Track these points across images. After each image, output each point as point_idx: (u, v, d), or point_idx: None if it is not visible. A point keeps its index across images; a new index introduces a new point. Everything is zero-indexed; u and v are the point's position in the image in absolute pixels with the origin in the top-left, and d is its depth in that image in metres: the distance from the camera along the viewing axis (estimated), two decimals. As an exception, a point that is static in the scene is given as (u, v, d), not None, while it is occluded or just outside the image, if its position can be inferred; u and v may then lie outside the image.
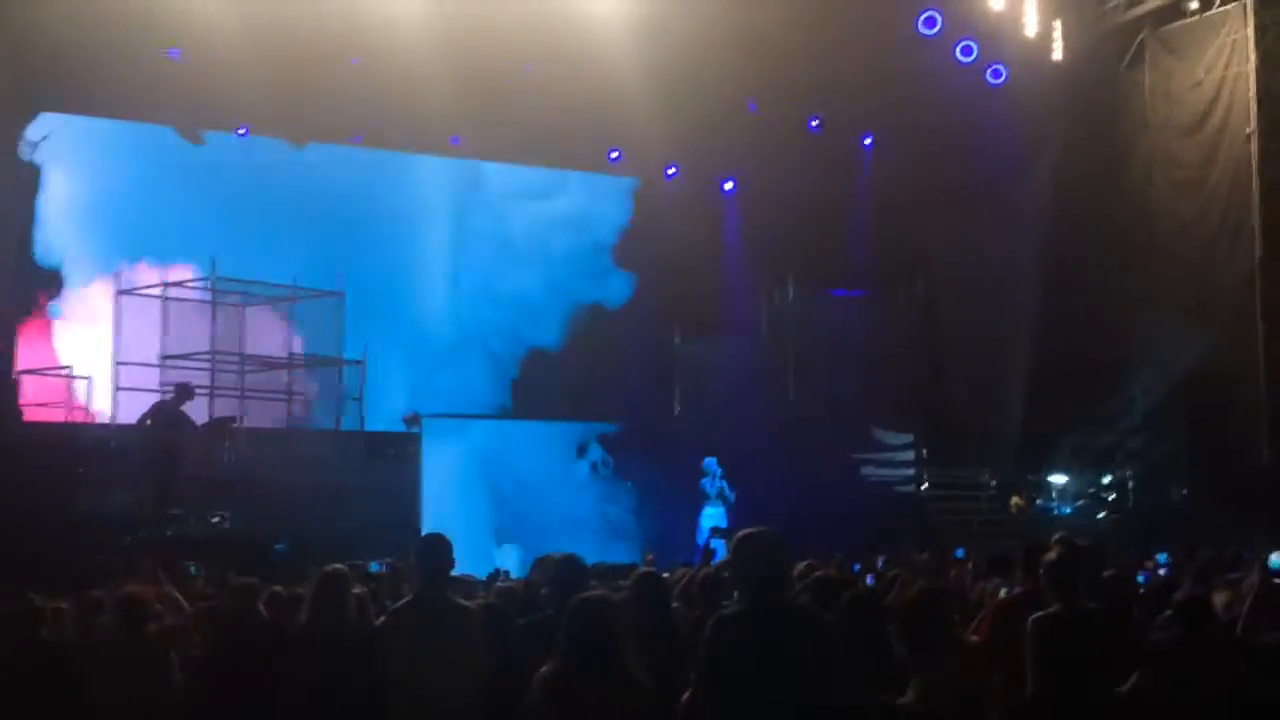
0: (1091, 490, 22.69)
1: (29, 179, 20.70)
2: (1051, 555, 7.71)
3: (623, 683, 5.96)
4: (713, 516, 21.35)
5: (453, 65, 19.80)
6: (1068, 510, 22.56)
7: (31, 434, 18.54)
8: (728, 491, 21.51)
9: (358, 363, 21.43)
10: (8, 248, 19.57)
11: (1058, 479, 23.11)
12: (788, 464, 21.45)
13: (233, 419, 19.39)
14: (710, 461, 21.71)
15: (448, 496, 20.67)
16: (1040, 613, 7.41)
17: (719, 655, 5.99)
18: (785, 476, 21.08)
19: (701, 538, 20.60)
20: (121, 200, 21.55)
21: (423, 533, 17.44)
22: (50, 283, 21.52)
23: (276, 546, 15.88)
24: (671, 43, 20.38)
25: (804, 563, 10.13)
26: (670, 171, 24.77)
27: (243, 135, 22.17)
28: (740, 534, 6.27)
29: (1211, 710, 7.46)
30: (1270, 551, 9.47)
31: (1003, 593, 9.29)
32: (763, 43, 20.79)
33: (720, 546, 12.23)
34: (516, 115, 21.82)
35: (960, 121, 22.09)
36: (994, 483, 23.65)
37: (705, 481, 21.77)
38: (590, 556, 15.42)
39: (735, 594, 6.50)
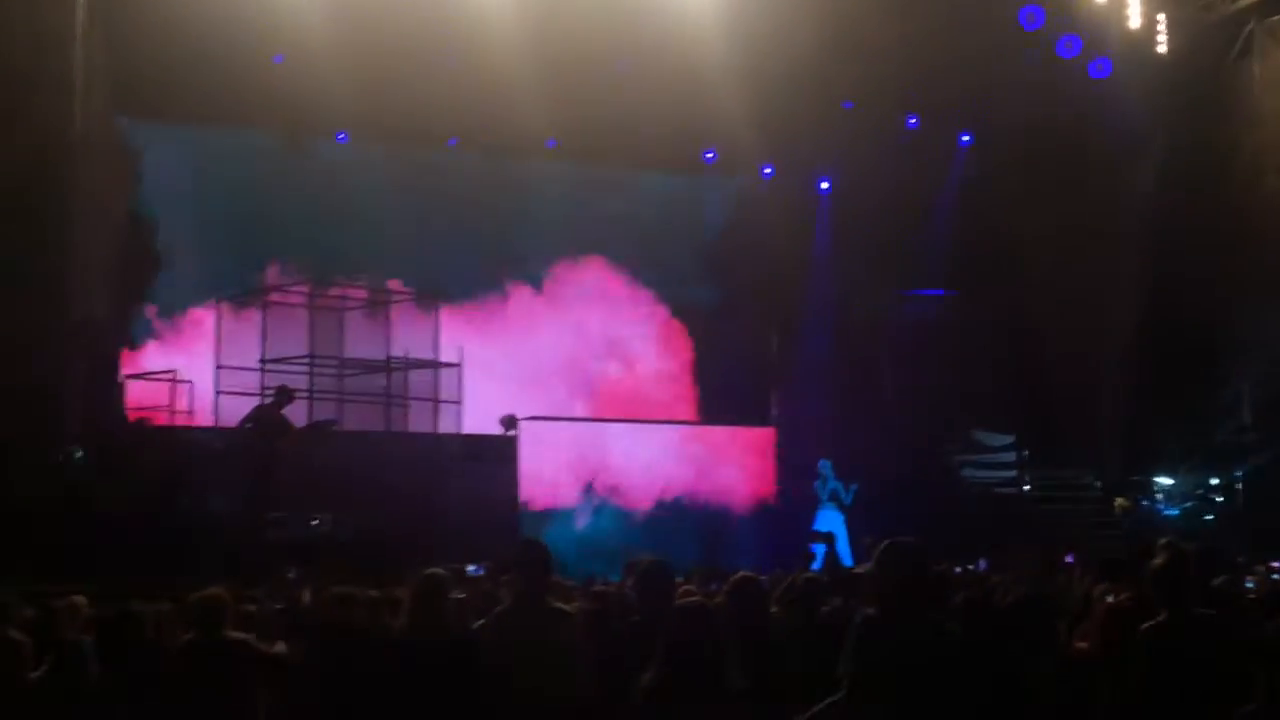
0: (1199, 491, 22.26)
1: (132, 185, 20.94)
2: (1158, 560, 7.47)
3: (721, 690, 5.92)
4: (828, 519, 21.01)
5: (546, 66, 19.79)
6: (1174, 512, 22.13)
7: (136, 436, 18.77)
8: (842, 494, 21.17)
9: (454, 365, 21.49)
10: (113, 250, 19.81)
11: (1164, 480, 22.68)
12: (890, 467, 21.25)
13: (332, 422, 19.51)
14: (824, 464, 21.35)
15: (545, 499, 20.66)
16: (1150, 623, 7.20)
17: (862, 660, 5.96)
18: (888, 479, 20.89)
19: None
20: (223, 205, 21.79)
21: (521, 537, 17.65)
22: (154, 287, 21.76)
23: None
24: (766, 41, 20.23)
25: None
26: (766, 171, 24.65)
27: (341, 140, 22.42)
28: (886, 542, 6.22)
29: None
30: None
31: (1110, 599, 9.07)
32: (860, 39, 20.60)
33: (820, 550, 12.11)
34: (611, 117, 21.76)
35: (1063, 117, 21.76)
36: (1098, 484, 23.26)
37: (817, 484, 21.39)
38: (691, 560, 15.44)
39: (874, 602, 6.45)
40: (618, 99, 21.42)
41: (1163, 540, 9.07)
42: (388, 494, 18.24)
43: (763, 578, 10.90)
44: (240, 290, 21.45)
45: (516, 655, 7.41)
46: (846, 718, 6.18)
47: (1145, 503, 22.57)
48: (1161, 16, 21.85)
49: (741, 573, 8.64)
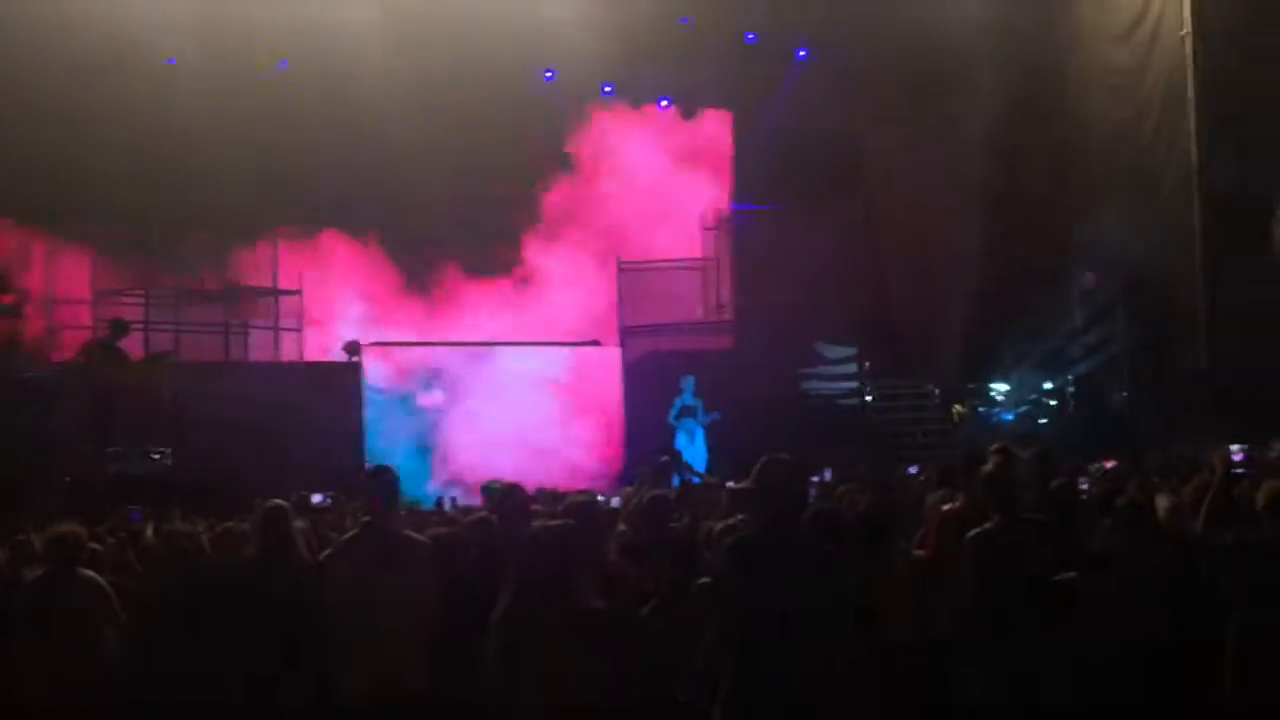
0: (1034, 397, 22.83)
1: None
2: (988, 467, 7.59)
3: (577, 612, 5.95)
4: (687, 434, 20.92)
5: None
6: (1010, 417, 22.67)
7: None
8: (702, 413, 21.12)
9: (295, 293, 21.20)
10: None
11: (1000, 386, 23.21)
12: (736, 382, 21.43)
13: (169, 354, 19.16)
14: (688, 380, 21.22)
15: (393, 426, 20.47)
16: (977, 529, 7.32)
17: (736, 572, 6.04)
18: (735, 394, 21.06)
19: (692, 456, 20.53)
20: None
21: (367, 464, 17.55)
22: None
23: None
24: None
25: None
26: (607, 90, 24.51)
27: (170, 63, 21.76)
28: (765, 459, 6.29)
29: (1151, 612, 7.50)
30: (1226, 446, 9.39)
31: (946, 506, 9.28)
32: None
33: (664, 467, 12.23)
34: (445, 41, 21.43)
35: (901, 34, 21.96)
36: (938, 392, 23.71)
37: (679, 400, 21.18)
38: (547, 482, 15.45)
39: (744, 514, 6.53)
40: (456, 17, 21.11)
41: (994, 446, 9.22)
42: (230, 425, 17.99)
43: (605, 497, 11.04)
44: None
45: (360, 584, 7.37)
46: (713, 623, 6.30)
47: (982, 409, 23.08)
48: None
49: (577, 494, 8.72)
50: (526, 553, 6.07)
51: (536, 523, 7.01)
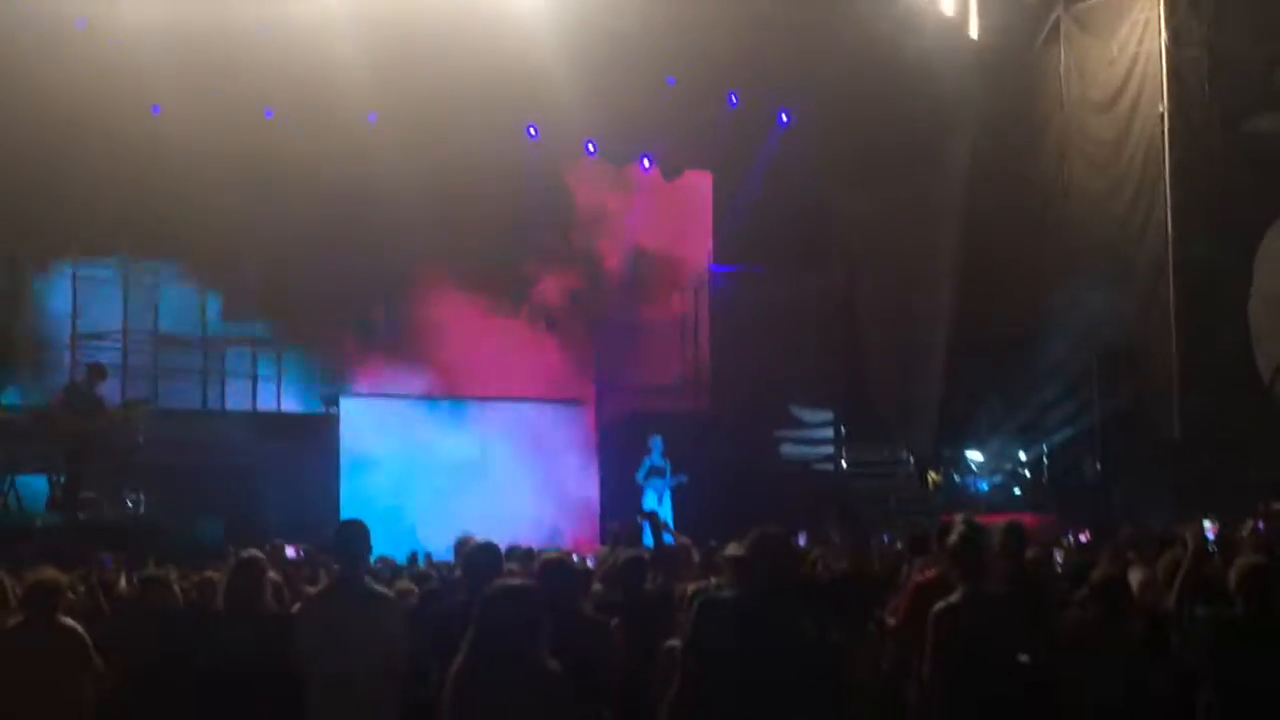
0: (1009, 466, 22.90)
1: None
2: (954, 538, 7.46)
3: (534, 673, 5.91)
4: (655, 494, 20.86)
5: (368, 42, 19.53)
6: (984, 486, 22.74)
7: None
8: (670, 473, 21.04)
9: (272, 343, 21.19)
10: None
11: (974, 455, 23.28)
12: (712, 444, 21.46)
13: (146, 401, 19.11)
14: (655, 440, 21.19)
15: (369, 479, 20.43)
16: (942, 602, 7.24)
17: (707, 641, 6.06)
18: (710, 456, 21.08)
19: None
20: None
21: (341, 517, 17.48)
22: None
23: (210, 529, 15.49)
24: (590, 16, 20.30)
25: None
26: (590, 149, 24.59)
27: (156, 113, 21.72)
28: (761, 531, 6.35)
29: (1123, 689, 7.52)
30: (1200, 520, 9.43)
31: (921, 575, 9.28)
32: (682, 17, 20.77)
33: (645, 528, 12.20)
34: (430, 94, 21.52)
35: (880, 98, 22.15)
36: (912, 460, 23.80)
37: (647, 460, 21.13)
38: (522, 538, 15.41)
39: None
40: (441, 70, 21.19)
41: (960, 516, 9.17)
42: (204, 473, 17.94)
43: (579, 556, 11.03)
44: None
45: (330, 638, 7.38)
46: (690, 692, 6.30)
47: (957, 477, 23.15)
48: (973, 1, 22.31)
49: (547, 553, 8.71)
50: (484, 608, 6.04)
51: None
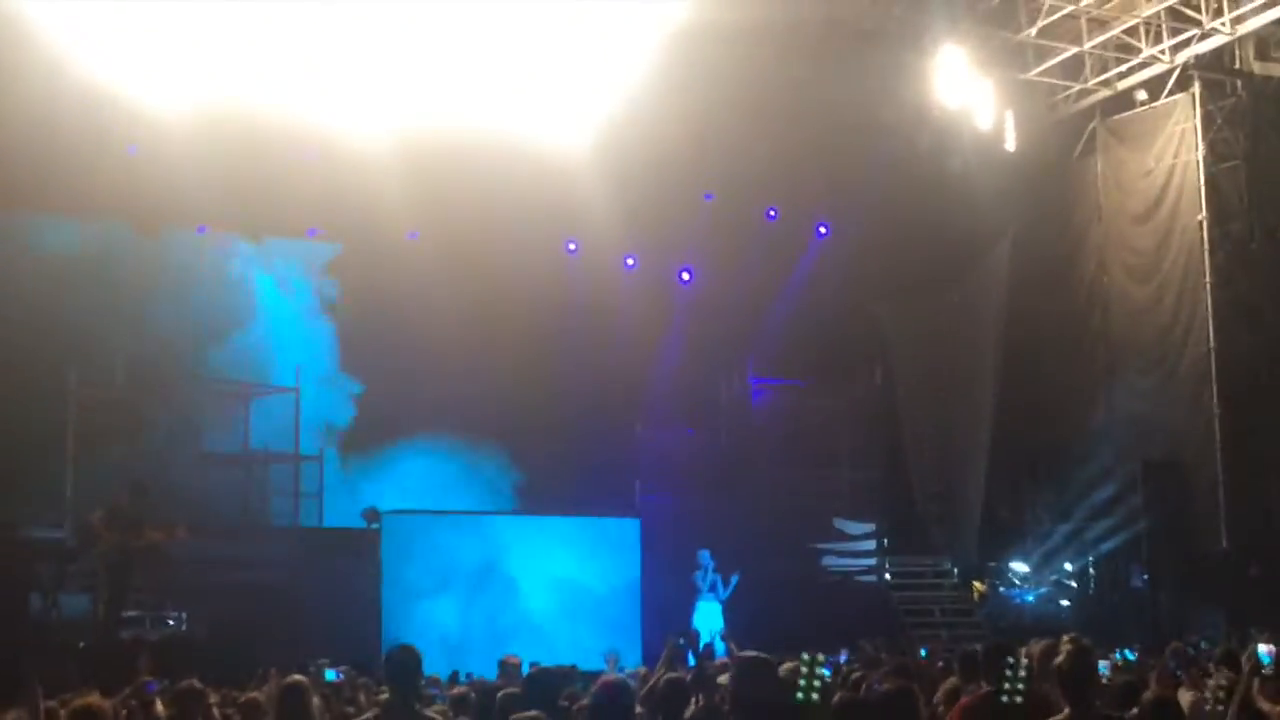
0: (1054, 578, 22.68)
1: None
2: (1061, 658, 7.29)
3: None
4: (707, 610, 20.71)
5: (406, 160, 19.76)
6: (1030, 597, 22.52)
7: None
8: (720, 586, 20.94)
9: (314, 458, 21.27)
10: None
11: (1019, 566, 23.07)
12: (754, 556, 21.34)
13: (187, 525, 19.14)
14: (704, 554, 21.09)
15: (410, 595, 20.32)
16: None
17: None
18: (753, 569, 20.97)
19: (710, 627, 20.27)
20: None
21: (382, 634, 17.46)
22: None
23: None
24: (629, 136, 20.48)
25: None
26: (629, 263, 24.75)
27: (201, 232, 22.01)
28: (749, 658, 6.26)
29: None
30: (1255, 643, 9.28)
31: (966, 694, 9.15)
32: (720, 134, 20.97)
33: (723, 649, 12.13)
34: (470, 211, 21.72)
35: (919, 212, 22.26)
36: (956, 571, 23.60)
37: (697, 575, 21.09)
38: (564, 654, 15.31)
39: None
40: (476, 193, 21.41)
41: (1066, 636, 8.99)
42: (247, 589, 17.94)
43: (630, 674, 10.93)
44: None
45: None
46: None
47: (1002, 589, 22.93)
48: (1009, 115, 22.44)
49: (604, 676, 8.63)
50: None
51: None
